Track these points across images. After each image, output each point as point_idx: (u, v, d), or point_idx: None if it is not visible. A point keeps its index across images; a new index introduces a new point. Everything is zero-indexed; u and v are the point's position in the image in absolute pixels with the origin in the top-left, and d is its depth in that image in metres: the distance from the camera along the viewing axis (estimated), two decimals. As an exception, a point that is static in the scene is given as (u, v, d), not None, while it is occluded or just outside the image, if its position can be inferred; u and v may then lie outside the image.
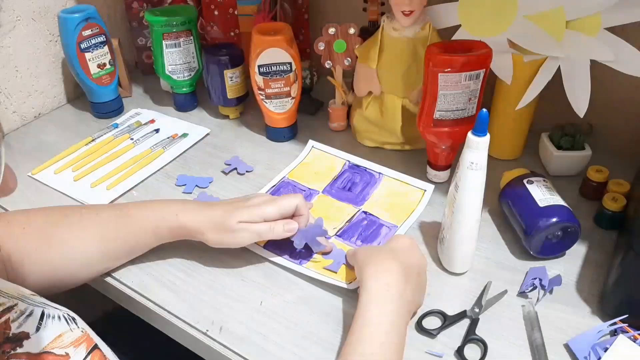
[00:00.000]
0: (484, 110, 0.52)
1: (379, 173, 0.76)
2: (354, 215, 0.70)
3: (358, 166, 0.78)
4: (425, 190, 0.73)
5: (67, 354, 0.42)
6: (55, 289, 0.59)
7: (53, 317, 0.44)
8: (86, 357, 0.43)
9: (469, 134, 0.54)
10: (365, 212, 0.70)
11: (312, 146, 0.82)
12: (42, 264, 0.57)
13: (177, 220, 0.59)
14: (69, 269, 0.59)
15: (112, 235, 0.60)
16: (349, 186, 0.75)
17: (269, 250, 0.64)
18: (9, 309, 0.43)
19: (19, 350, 0.40)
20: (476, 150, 0.54)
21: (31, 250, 0.57)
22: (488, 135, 0.53)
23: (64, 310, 0.46)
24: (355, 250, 0.59)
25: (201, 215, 0.59)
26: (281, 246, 0.64)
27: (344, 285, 0.58)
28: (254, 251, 0.64)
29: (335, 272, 0.61)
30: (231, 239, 0.59)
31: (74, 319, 0.46)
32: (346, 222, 0.69)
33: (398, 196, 0.72)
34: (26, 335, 0.41)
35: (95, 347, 0.45)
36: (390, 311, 0.50)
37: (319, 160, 0.80)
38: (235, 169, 0.79)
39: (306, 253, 0.63)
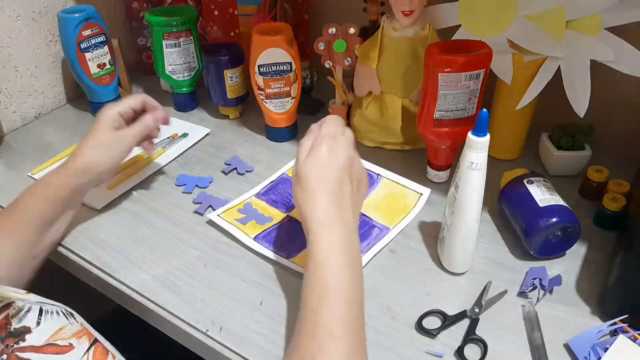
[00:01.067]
0: (484, 110, 0.52)
1: (377, 174, 0.76)
2: None
3: None
4: (421, 194, 0.72)
5: (71, 345, 0.43)
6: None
7: (52, 313, 0.45)
8: (89, 348, 0.44)
9: (469, 134, 0.54)
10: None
11: None
12: None
13: (60, 175, 0.63)
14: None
15: (16, 226, 0.60)
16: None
17: (258, 242, 0.65)
18: (7, 305, 0.43)
19: (22, 344, 0.41)
20: (476, 150, 0.54)
21: None
22: (488, 135, 0.53)
23: (61, 306, 0.47)
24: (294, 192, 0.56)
25: (74, 156, 0.64)
26: (270, 240, 0.65)
27: None
28: (242, 241, 0.65)
29: None
30: (119, 148, 0.66)
31: (72, 314, 0.47)
32: None
33: (394, 198, 0.72)
34: (28, 330, 0.42)
35: (96, 340, 0.45)
36: (331, 240, 0.50)
37: None
38: (235, 168, 0.79)
39: (294, 248, 0.64)
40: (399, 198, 0.72)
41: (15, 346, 0.40)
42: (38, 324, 0.43)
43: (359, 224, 0.57)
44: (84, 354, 0.43)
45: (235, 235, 0.66)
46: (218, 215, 0.69)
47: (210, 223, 0.69)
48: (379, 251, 0.64)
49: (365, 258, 0.63)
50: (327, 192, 0.52)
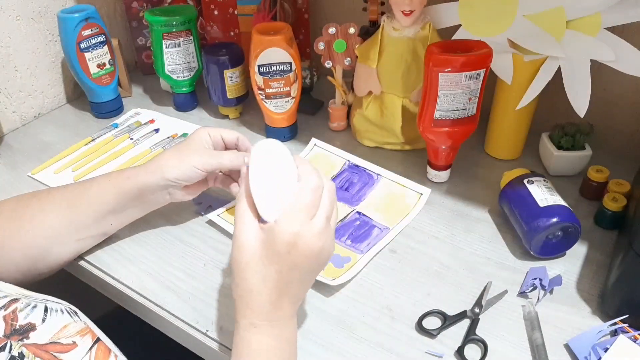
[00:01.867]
0: None
1: (378, 174, 0.76)
2: (348, 214, 0.70)
3: (357, 166, 0.78)
4: (421, 194, 0.72)
5: (74, 343, 0.43)
6: (34, 275, 0.59)
7: (56, 311, 0.45)
8: (92, 346, 0.44)
9: None
10: (359, 213, 0.70)
11: (315, 144, 0.82)
12: (17, 248, 0.58)
13: (134, 172, 0.61)
14: (40, 246, 0.59)
15: (76, 201, 0.60)
16: (347, 186, 0.74)
17: None
18: (15, 300, 0.43)
19: (25, 342, 0.41)
20: None
21: (5, 237, 0.57)
22: None
23: (65, 304, 0.47)
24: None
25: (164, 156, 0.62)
26: None
27: (329, 282, 0.58)
28: None
29: (322, 270, 0.61)
30: (193, 160, 0.60)
31: (75, 312, 0.47)
32: (339, 221, 0.69)
33: (394, 198, 0.72)
34: (32, 327, 0.42)
35: (99, 339, 0.45)
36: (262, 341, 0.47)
37: (319, 159, 0.80)
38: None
39: None
40: (399, 198, 0.72)
41: (19, 344, 0.40)
42: (44, 320, 0.43)
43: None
44: (87, 352, 0.43)
45: None
46: (218, 215, 0.69)
47: (210, 223, 0.69)
48: (379, 251, 0.64)
49: (365, 258, 0.63)
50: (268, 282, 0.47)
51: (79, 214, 0.60)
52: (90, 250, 0.65)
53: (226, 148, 0.66)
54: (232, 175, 0.69)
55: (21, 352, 0.39)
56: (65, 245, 0.61)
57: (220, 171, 0.69)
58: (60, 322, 0.44)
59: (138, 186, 0.61)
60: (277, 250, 0.45)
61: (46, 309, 0.44)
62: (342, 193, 0.73)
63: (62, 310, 0.45)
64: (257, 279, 0.46)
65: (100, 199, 0.61)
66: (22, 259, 0.58)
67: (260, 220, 0.47)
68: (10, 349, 0.39)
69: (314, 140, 0.82)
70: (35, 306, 0.44)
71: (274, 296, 0.47)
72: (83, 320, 0.46)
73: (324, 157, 0.80)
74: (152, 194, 0.62)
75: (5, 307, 0.42)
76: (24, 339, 0.41)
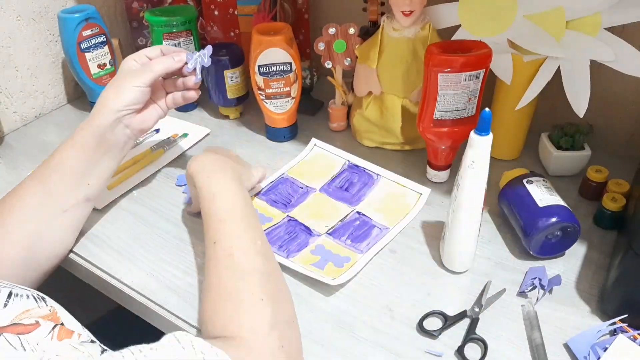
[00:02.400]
0: (487, 109, 0.52)
1: (377, 174, 0.76)
2: (348, 214, 0.70)
3: (357, 166, 0.78)
4: (421, 194, 0.73)
5: (37, 322, 0.41)
6: (35, 267, 0.60)
7: (21, 296, 0.44)
8: (55, 327, 0.42)
9: (472, 133, 0.54)
10: (359, 213, 0.70)
11: (315, 144, 0.82)
12: (5, 242, 0.57)
13: (87, 123, 0.62)
14: (28, 232, 0.58)
15: (45, 175, 0.60)
16: (347, 186, 0.75)
17: None
18: None
19: None
20: (478, 149, 0.54)
21: None
22: (491, 135, 0.54)
23: (32, 291, 0.46)
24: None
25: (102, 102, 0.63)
26: (270, 240, 0.65)
27: (329, 282, 0.59)
28: None
29: (322, 270, 0.61)
30: (132, 83, 0.62)
31: (43, 298, 0.46)
32: (339, 221, 0.69)
33: (394, 198, 0.72)
34: None
35: (62, 324, 0.44)
36: (220, 179, 0.59)
37: (319, 159, 0.80)
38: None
39: (294, 247, 0.64)
40: (398, 198, 0.72)
41: None
42: (5, 305, 0.42)
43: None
44: (50, 331, 0.41)
45: None
46: None
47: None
48: (379, 251, 0.64)
49: (365, 258, 0.63)
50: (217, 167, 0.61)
51: (51, 185, 0.60)
52: (91, 250, 0.65)
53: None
54: (170, 88, 0.70)
55: None
56: (53, 224, 0.60)
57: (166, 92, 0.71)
58: (23, 306, 0.43)
59: (93, 133, 0.61)
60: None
61: (10, 295, 0.43)
62: (341, 193, 0.73)
63: (27, 296, 0.44)
64: None
65: (66, 163, 0.61)
66: (14, 252, 0.57)
67: None
68: None
69: (314, 141, 0.82)
70: None
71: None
72: (49, 306, 0.45)
73: (323, 157, 0.80)
74: (111, 133, 0.62)
75: None
76: None
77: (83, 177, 0.62)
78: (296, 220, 0.69)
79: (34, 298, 0.45)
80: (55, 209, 0.60)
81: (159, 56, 0.67)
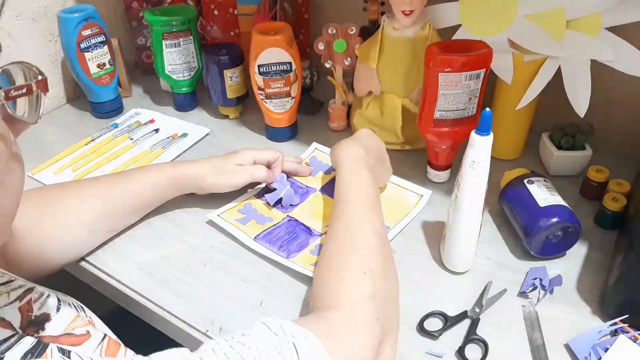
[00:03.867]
0: (488, 109, 0.52)
1: None
2: None
3: None
4: (422, 196, 0.72)
5: (88, 332, 0.43)
6: (54, 265, 0.60)
7: (66, 303, 0.45)
8: (103, 338, 0.44)
9: (473, 133, 0.54)
10: None
11: (315, 148, 0.82)
12: (47, 235, 0.58)
13: (174, 170, 0.66)
14: (74, 233, 0.61)
15: (111, 193, 0.63)
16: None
17: (258, 242, 0.65)
18: (30, 290, 0.44)
19: (41, 333, 0.41)
20: (479, 149, 0.54)
21: (33, 224, 0.57)
22: (491, 135, 0.53)
23: (71, 299, 0.47)
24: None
25: (199, 163, 0.68)
26: (270, 240, 0.65)
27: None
28: (242, 241, 0.65)
29: None
30: (229, 180, 0.68)
31: (82, 307, 0.47)
32: None
33: (394, 199, 0.72)
34: (47, 317, 0.42)
35: (105, 335, 0.45)
36: (359, 170, 0.62)
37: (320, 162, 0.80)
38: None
39: (294, 247, 0.64)
40: (399, 199, 0.72)
41: (35, 335, 0.40)
42: (58, 309, 0.43)
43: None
44: (99, 344, 0.43)
45: (235, 235, 0.66)
46: (218, 215, 0.69)
47: (211, 223, 0.69)
48: None
49: None
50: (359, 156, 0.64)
51: (114, 206, 0.63)
52: (90, 250, 0.65)
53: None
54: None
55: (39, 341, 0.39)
56: (97, 230, 0.63)
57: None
58: (72, 313, 0.44)
59: (176, 189, 0.68)
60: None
61: (59, 300, 0.45)
62: None
63: (70, 304, 0.46)
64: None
65: (138, 193, 0.65)
66: (50, 246, 0.59)
67: None
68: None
69: (314, 144, 0.82)
70: (49, 296, 0.44)
71: None
72: (88, 316, 0.46)
73: (324, 159, 0.80)
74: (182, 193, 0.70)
75: (20, 298, 0.42)
76: (40, 331, 0.41)
77: (141, 211, 0.68)
78: (296, 220, 0.69)
79: (75, 307, 0.46)
80: (105, 227, 0.64)
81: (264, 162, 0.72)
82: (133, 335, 0.78)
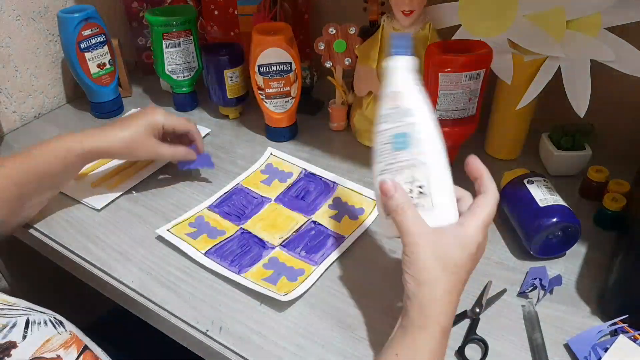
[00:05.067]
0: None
1: (334, 182, 0.75)
2: (303, 224, 0.68)
3: (314, 175, 0.77)
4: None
5: (58, 356, 0.42)
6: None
7: (39, 323, 0.44)
8: (78, 357, 0.43)
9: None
10: (314, 222, 0.68)
11: (271, 153, 0.81)
12: None
13: (82, 148, 0.64)
14: None
15: (23, 179, 0.62)
16: (302, 195, 0.73)
17: (209, 257, 0.63)
18: None
19: (7, 359, 0.40)
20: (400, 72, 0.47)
21: None
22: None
23: (50, 314, 0.46)
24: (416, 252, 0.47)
25: (109, 135, 0.66)
26: (222, 255, 0.63)
27: (280, 298, 0.57)
28: (192, 257, 0.63)
29: (274, 285, 0.59)
30: (149, 156, 0.70)
31: (61, 322, 0.45)
32: (293, 231, 0.67)
33: (349, 206, 0.71)
34: (13, 344, 0.41)
35: (86, 348, 0.44)
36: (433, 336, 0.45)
37: (275, 167, 0.79)
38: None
39: (246, 262, 0.62)
40: (355, 206, 0.71)
41: None
42: (24, 337, 0.42)
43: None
44: None
45: (184, 250, 0.63)
46: (167, 230, 0.66)
47: (160, 239, 0.66)
48: (333, 262, 0.63)
49: (320, 269, 0.61)
50: (456, 291, 0.46)
51: (29, 189, 0.63)
52: (90, 250, 0.65)
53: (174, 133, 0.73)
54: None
55: None
56: (18, 212, 0.64)
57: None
58: (43, 336, 0.43)
59: (86, 163, 0.68)
60: (463, 257, 0.45)
61: (27, 324, 0.43)
62: (297, 202, 0.72)
63: (45, 322, 0.44)
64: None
65: (50, 173, 0.64)
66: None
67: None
68: None
69: (270, 149, 0.81)
70: (14, 325, 0.42)
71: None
72: (68, 330, 0.45)
73: (280, 165, 0.79)
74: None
75: None
76: (6, 357, 0.40)
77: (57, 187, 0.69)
78: (249, 233, 0.67)
79: (52, 323, 0.45)
80: (26, 206, 0.66)
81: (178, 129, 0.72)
82: (133, 335, 0.78)
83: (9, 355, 0.40)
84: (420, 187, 0.47)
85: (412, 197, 0.47)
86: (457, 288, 0.46)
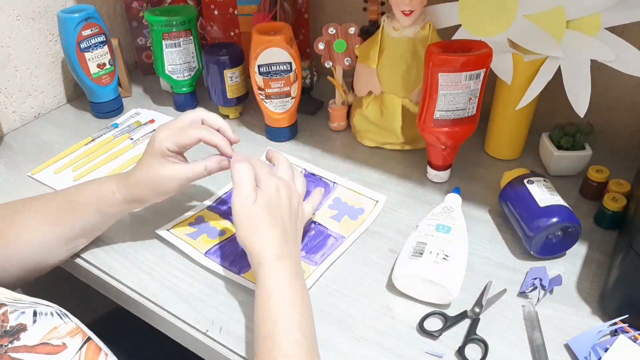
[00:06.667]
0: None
1: (334, 182, 0.75)
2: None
3: (314, 175, 0.76)
4: (377, 201, 0.71)
5: (64, 344, 0.43)
6: (29, 277, 0.60)
7: (46, 314, 0.45)
8: (82, 346, 0.44)
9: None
10: (314, 222, 0.68)
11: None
12: (9, 261, 0.58)
13: (115, 198, 0.60)
14: (33, 259, 0.59)
15: (60, 221, 0.60)
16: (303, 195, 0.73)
17: (209, 257, 0.63)
18: (3, 304, 0.43)
19: (16, 343, 0.40)
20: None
21: None
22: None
23: (55, 307, 0.47)
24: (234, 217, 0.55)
25: (138, 188, 0.60)
26: (222, 255, 0.63)
27: None
28: (192, 257, 0.63)
29: None
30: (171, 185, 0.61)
31: (66, 314, 0.47)
32: None
33: (349, 206, 0.71)
34: (23, 327, 0.42)
35: (89, 339, 0.45)
36: (282, 273, 0.52)
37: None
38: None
39: (246, 262, 0.61)
40: (355, 206, 0.71)
41: (10, 345, 0.40)
42: (34, 322, 0.43)
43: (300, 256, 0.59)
44: (77, 352, 0.43)
45: (184, 251, 0.63)
46: (167, 230, 0.66)
47: (160, 239, 0.66)
48: (334, 262, 0.63)
49: (320, 270, 0.61)
50: (278, 228, 0.54)
51: (66, 232, 0.60)
52: (91, 250, 0.65)
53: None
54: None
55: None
56: (56, 253, 0.61)
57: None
58: (50, 324, 0.44)
59: (132, 205, 0.62)
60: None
61: (35, 314, 0.44)
62: None
63: (51, 313, 0.45)
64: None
65: (87, 221, 0.61)
66: (12, 270, 0.58)
67: None
68: None
69: (269, 149, 0.81)
70: (23, 312, 0.43)
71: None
72: (74, 322, 0.46)
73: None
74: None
75: None
76: (15, 341, 0.40)
77: (96, 231, 0.64)
78: None
79: (59, 315, 0.46)
80: (62, 247, 0.62)
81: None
82: (133, 335, 0.78)
83: (18, 339, 0.41)
84: (445, 256, 0.57)
85: (435, 260, 0.57)
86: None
